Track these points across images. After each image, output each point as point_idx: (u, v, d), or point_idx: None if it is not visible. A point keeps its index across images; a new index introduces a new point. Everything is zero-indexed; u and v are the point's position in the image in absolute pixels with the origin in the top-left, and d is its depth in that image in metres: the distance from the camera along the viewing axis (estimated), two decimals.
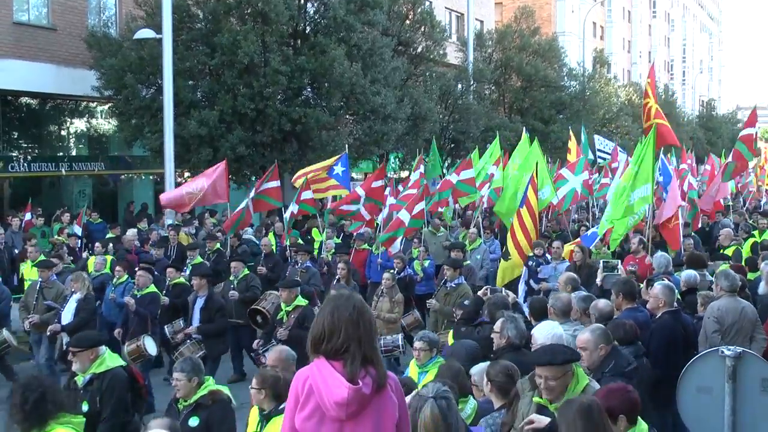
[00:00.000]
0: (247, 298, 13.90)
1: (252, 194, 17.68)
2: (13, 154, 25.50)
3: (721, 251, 16.04)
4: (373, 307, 12.64)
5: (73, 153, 28.11)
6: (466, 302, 9.50)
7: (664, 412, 8.09)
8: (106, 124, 28.33)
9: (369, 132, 25.04)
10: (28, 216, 20.74)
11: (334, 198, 20.39)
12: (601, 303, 9.05)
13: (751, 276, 12.98)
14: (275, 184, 17.92)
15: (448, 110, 32.92)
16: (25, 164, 25.28)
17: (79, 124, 28.12)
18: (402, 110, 25.70)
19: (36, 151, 26.80)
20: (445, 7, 42.17)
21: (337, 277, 14.25)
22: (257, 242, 18.72)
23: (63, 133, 27.95)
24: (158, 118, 21.56)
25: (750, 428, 6.42)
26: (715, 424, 6.48)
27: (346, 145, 21.31)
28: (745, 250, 16.32)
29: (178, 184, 20.89)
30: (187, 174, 24.16)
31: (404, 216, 16.57)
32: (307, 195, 17.79)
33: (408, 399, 4.68)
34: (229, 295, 14.03)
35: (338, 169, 19.03)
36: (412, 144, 27.79)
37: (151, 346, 11.97)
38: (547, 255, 15.24)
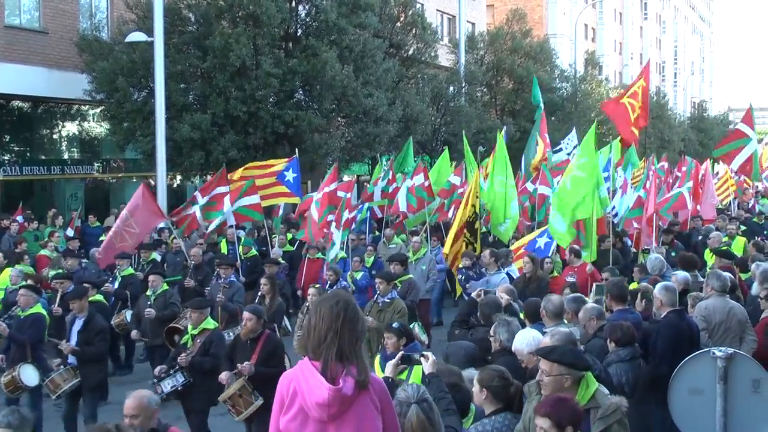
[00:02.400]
0: (164, 317, 12.69)
1: (202, 202, 16.94)
2: (5, 158, 25.43)
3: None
4: (298, 326, 11.95)
5: (65, 156, 28.05)
6: (395, 325, 8.33)
7: (666, 412, 8.11)
8: (98, 128, 28.27)
9: (361, 134, 25.05)
10: (19, 219, 20.69)
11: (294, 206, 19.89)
12: (589, 305, 9.08)
13: (743, 276, 13.07)
14: (225, 189, 16.94)
15: (439, 112, 32.96)
16: (17, 168, 25.24)
17: (71, 128, 28.05)
18: (394, 112, 25.72)
19: (28, 154, 26.72)
20: (437, 10, 42.22)
21: (259, 293, 12.51)
22: (251, 242, 18.55)
23: (55, 136, 27.88)
24: (150, 121, 21.55)
25: (741, 429, 6.45)
26: (707, 425, 6.51)
27: (336, 150, 21.34)
28: (737, 249, 16.27)
29: (170, 188, 20.87)
30: (179, 177, 24.11)
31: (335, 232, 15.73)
32: (253, 200, 16.91)
33: None
34: (145, 312, 12.84)
35: (289, 175, 17.93)
36: (405, 147, 27.82)
37: (29, 376, 10.87)
38: (481, 266, 14.27)
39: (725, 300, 9.63)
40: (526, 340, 7.13)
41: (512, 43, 39.38)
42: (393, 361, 5.53)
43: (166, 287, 13.37)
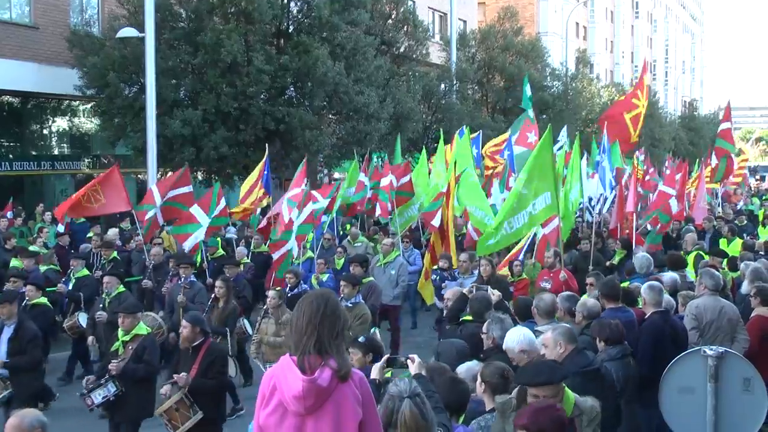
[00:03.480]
0: (117, 320, 11.69)
1: (160, 202, 16.18)
2: None
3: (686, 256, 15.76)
4: (256, 330, 11.63)
5: (55, 152, 27.94)
6: (361, 339, 7.72)
7: (650, 412, 8.13)
8: (88, 123, 28.19)
9: (352, 132, 25.03)
10: (9, 215, 20.61)
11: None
12: (590, 302, 9.10)
13: (733, 275, 13.14)
14: (187, 189, 16.48)
15: (431, 110, 32.96)
16: (7, 163, 25.14)
17: (61, 123, 27.96)
18: (385, 110, 25.70)
19: (18, 149, 26.62)
20: (428, 7, 42.21)
21: (213, 295, 12.15)
22: (217, 242, 17.97)
23: (45, 131, 27.78)
24: (141, 117, 21.47)
25: (732, 428, 6.47)
26: (698, 423, 6.52)
27: (327, 147, 21.27)
28: (732, 250, 16.16)
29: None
30: (170, 173, 24.04)
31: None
32: (221, 204, 16.07)
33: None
34: (96, 316, 12.29)
35: (263, 173, 17.95)
36: (395, 144, 27.80)
37: None
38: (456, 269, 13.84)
39: (716, 299, 9.65)
40: (517, 338, 7.11)
41: (504, 40, 39.40)
42: (379, 363, 5.52)
43: (122, 289, 12.61)
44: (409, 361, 5.73)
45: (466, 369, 6.52)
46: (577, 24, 73.74)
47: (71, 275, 14.31)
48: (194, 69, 23.25)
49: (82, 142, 28.63)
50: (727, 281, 12.11)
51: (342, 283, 11.62)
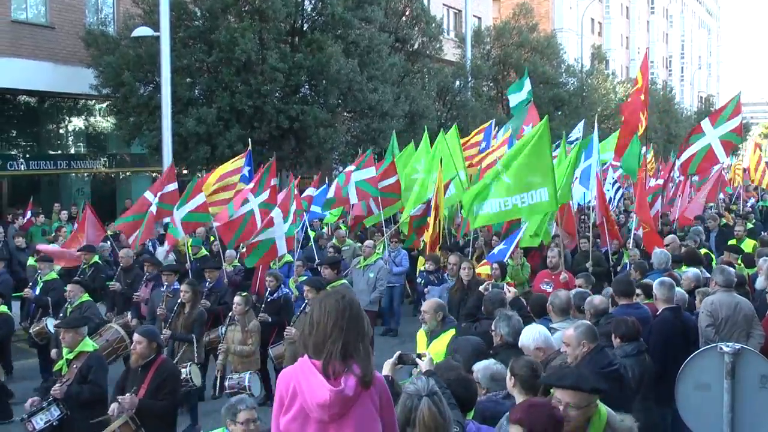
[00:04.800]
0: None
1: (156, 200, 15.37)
2: (12, 153, 25.49)
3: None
4: (222, 339, 11.05)
5: (72, 151, 28.08)
6: None
7: (663, 409, 8.09)
8: (104, 122, 28.31)
9: (366, 129, 25.04)
10: (28, 215, 20.76)
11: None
12: (597, 299, 9.05)
13: (749, 271, 13.03)
14: (173, 187, 15.55)
15: (446, 107, 32.91)
16: (24, 162, 25.28)
17: (77, 122, 28.10)
18: (399, 107, 25.68)
19: (34, 149, 26.77)
20: (443, 4, 42.16)
21: (179, 300, 11.28)
22: (200, 242, 17.12)
23: (61, 131, 27.93)
24: (156, 115, 21.56)
25: (749, 425, 6.42)
26: (714, 420, 6.48)
27: (341, 145, 21.21)
28: (746, 247, 15.95)
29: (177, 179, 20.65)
30: (185, 171, 24.12)
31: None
32: (199, 199, 14.90)
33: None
34: (54, 326, 11.50)
35: (245, 171, 17.15)
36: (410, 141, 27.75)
37: None
38: (444, 272, 13.18)
39: (732, 295, 9.58)
40: (532, 335, 7.09)
41: (519, 37, 39.38)
42: (391, 360, 5.50)
43: (86, 298, 11.97)
44: (418, 359, 5.71)
45: (483, 367, 6.48)
46: (593, 20, 73.46)
47: (39, 279, 13.67)
48: (209, 67, 23.32)
49: (98, 141, 28.76)
50: (744, 277, 11.98)
51: (305, 288, 10.83)
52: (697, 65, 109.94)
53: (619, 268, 14.88)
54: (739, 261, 13.58)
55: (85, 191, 27.95)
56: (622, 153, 18.47)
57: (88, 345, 8.80)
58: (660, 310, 8.94)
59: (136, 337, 8.24)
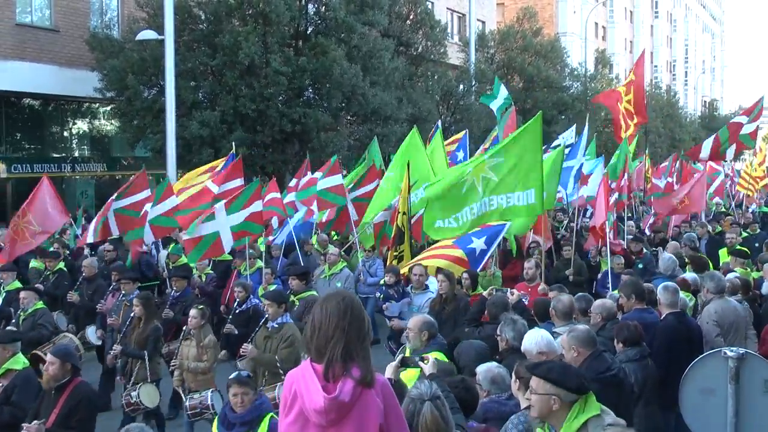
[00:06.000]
0: (32, 339, 10.61)
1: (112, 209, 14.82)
2: (16, 155, 25.54)
3: None
4: (176, 355, 10.26)
5: (76, 154, 28.13)
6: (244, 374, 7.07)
7: (667, 413, 8.08)
8: (108, 125, 28.38)
9: (369, 134, 25.05)
10: None
11: None
12: (608, 303, 9.03)
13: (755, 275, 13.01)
14: (145, 194, 14.87)
15: (449, 111, 32.90)
16: (28, 165, 25.32)
17: (81, 125, 28.17)
18: (402, 111, 25.68)
19: (39, 152, 26.82)
20: (447, 8, 42.20)
21: (131, 315, 10.58)
22: (179, 250, 15.82)
23: (65, 134, 27.99)
24: (160, 118, 21.61)
25: (753, 430, 6.40)
26: (718, 425, 6.46)
27: (343, 148, 21.16)
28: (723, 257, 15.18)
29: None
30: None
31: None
32: (170, 203, 14.36)
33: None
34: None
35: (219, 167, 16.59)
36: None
37: None
38: (405, 285, 12.08)
39: (727, 300, 9.65)
40: (534, 339, 7.06)
41: (522, 41, 39.38)
42: (394, 363, 5.49)
43: (40, 305, 11.50)
44: (422, 362, 5.70)
45: (485, 369, 6.49)
46: (596, 24, 73.46)
47: (1, 289, 12.97)
48: (213, 71, 23.35)
49: (102, 144, 28.83)
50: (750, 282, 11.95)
51: (265, 302, 9.86)
52: (701, 70, 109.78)
53: (599, 276, 14.58)
54: (746, 265, 13.52)
55: (89, 194, 27.99)
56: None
57: (18, 363, 8.19)
58: (664, 315, 8.91)
59: (48, 357, 7.58)
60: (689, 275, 11.68)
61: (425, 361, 5.72)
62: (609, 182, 15.78)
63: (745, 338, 9.39)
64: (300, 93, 23.57)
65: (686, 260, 13.58)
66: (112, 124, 27.86)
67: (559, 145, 19.02)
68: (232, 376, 7.07)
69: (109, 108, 26.77)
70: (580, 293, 9.79)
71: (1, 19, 23.67)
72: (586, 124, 19.29)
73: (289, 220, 16.81)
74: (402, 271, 12.33)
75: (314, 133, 23.14)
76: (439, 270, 11.45)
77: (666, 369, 8.08)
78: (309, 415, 4.12)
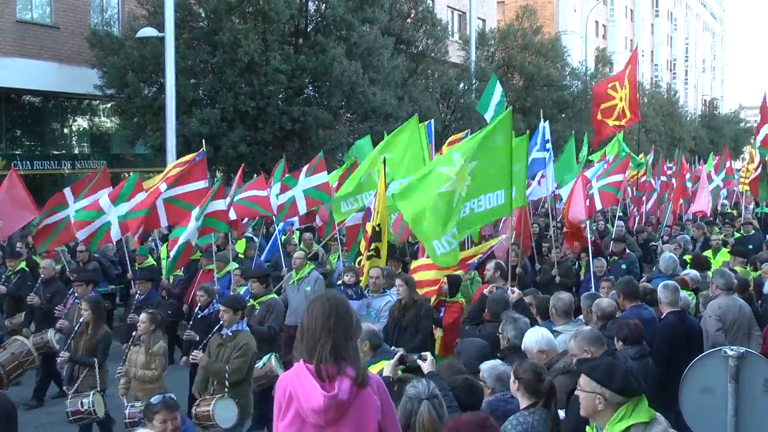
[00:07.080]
0: None
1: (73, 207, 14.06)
2: (16, 152, 25.51)
3: None
4: (123, 361, 9.71)
5: (76, 151, 28.12)
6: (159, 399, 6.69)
7: (666, 412, 8.07)
8: (108, 123, 28.37)
9: (369, 132, 25.03)
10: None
11: None
12: (604, 302, 9.01)
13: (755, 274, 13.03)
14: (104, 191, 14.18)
15: (449, 109, 32.90)
16: (27, 162, 25.31)
17: (81, 123, 28.15)
18: (403, 109, 25.68)
19: (38, 149, 26.81)
20: (448, 6, 42.19)
21: (80, 320, 10.06)
22: (146, 250, 15.89)
23: (65, 131, 27.97)
24: (160, 116, 21.61)
25: (753, 429, 6.40)
26: (718, 424, 6.46)
27: (342, 146, 21.13)
28: (723, 256, 15.03)
29: None
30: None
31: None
32: (139, 198, 13.82)
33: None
34: None
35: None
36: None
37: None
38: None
39: (734, 298, 9.64)
40: (535, 338, 7.06)
41: (523, 40, 39.37)
42: (392, 361, 5.49)
43: None
44: (420, 360, 5.70)
45: (490, 367, 6.45)
46: (597, 23, 73.45)
47: None
48: (213, 68, 23.35)
49: (102, 141, 28.81)
50: (748, 281, 11.95)
51: (220, 307, 9.37)
52: (702, 68, 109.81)
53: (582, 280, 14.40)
54: (746, 264, 13.54)
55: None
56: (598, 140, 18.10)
57: None
58: (664, 314, 8.91)
59: None
60: (690, 273, 11.70)
61: (423, 359, 5.72)
62: (586, 182, 15.16)
63: (749, 338, 9.36)
64: (300, 91, 23.57)
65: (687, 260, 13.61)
66: (112, 121, 27.85)
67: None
68: (155, 400, 6.61)
69: (109, 105, 26.77)
70: (589, 291, 9.77)
71: (2, 16, 23.66)
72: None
73: (276, 225, 16.32)
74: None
75: (314, 131, 23.13)
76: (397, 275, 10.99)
77: (666, 368, 8.07)
78: (306, 415, 4.12)
